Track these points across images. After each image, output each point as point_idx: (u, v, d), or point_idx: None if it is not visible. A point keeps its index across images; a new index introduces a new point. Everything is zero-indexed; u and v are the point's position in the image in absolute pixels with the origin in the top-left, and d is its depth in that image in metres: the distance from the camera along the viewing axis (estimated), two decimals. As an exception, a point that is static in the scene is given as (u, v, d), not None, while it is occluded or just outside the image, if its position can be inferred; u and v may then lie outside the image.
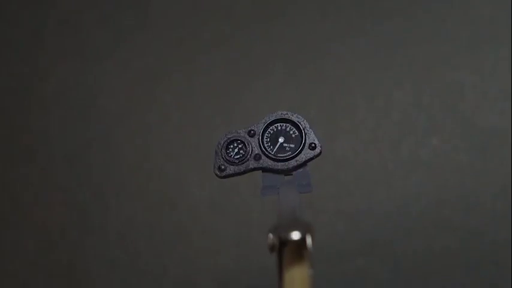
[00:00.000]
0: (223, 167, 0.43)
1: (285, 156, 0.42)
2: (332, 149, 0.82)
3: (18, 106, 0.88)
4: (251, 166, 0.43)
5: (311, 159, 0.43)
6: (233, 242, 0.81)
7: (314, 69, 0.84)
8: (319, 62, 0.85)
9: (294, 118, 0.43)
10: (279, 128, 0.43)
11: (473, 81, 0.81)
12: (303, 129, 0.43)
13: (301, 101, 0.84)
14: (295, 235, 0.29)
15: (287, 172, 0.43)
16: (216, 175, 0.43)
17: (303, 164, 0.43)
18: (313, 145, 0.43)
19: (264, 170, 0.43)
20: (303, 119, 0.43)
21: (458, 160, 0.79)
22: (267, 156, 0.43)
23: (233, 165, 0.43)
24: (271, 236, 0.31)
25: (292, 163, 0.42)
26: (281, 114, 0.43)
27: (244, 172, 0.43)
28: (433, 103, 0.82)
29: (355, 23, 0.85)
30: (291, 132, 0.43)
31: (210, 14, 0.88)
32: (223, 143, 0.43)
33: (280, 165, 0.42)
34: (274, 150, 0.43)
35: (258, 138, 0.43)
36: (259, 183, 0.43)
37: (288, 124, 0.43)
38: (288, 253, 0.30)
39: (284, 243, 0.30)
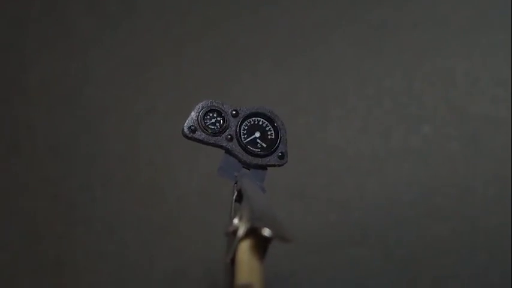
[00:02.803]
0: (193, 128, 0.43)
1: (253, 151, 0.43)
2: (323, 138, 0.81)
3: (1, 97, 0.87)
4: (220, 143, 0.43)
5: (274, 165, 0.43)
6: (223, 233, 0.80)
7: (304, 57, 0.84)
8: (309, 50, 0.84)
9: (278, 123, 0.44)
10: (261, 123, 0.44)
11: (464, 68, 0.81)
12: (280, 137, 0.44)
13: (291, 89, 0.83)
14: (268, 232, 0.29)
15: (248, 166, 0.43)
16: (184, 134, 0.43)
17: (265, 166, 0.43)
18: (281, 154, 0.43)
19: (229, 152, 0.43)
20: (284, 129, 0.44)
21: (449, 148, 0.79)
22: (238, 142, 0.43)
23: (204, 132, 0.43)
24: (236, 221, 0.32)
25: (256, 160, 0.43)
26: (269, 112, 0.44)
27: (212, 145, 0.43)
28: (424, 90, 0.81)
29: (345, 10, 0.84)
30: (269, 133, 0.44)
31: (197, 1, 0.87)
32: (205, 106, 0.43)
33: (245, 156, 0.43)
34: (247, 140, 0.43)
35: (238, 121, 0.43)
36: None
37: (269, 124, 0.44)
38: (251, 244, 0.30)
39: (251, 234, 0.30)
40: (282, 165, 0.44)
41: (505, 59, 0.81)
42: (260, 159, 0.43)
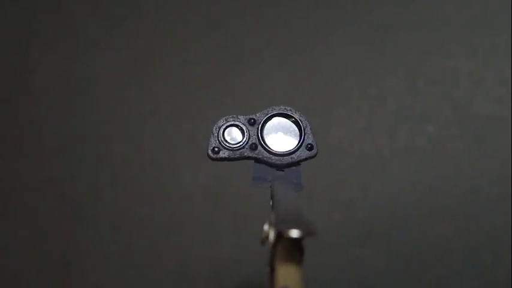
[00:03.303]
0: (217, 149, 0.42)
1: (281, 152, 0.42)
2: (326, 138, 0.81)
3: (7, 97, 0.88)
4: (246, 154, 0.42)
5: (306, 159, 0.43)
6: (228, 232, 0.80)
7: (307, 57, 0.84)
8: (312, 49, 0.84)
9: (297, 116, 0.43)
10: (279, 122, 0.43)
11: (468, 68, 0.81)
12: (303, 129, 0.43)
13: (294, 89, 0.83)
14: (295, 233, 0.28)
15: (280, 167, 0.42)
16: (209, 156, 0.43)
17: (297, 162, 0.42)
18: (309, 146, 0.43)
19: (257, 160, 0.42)
20: (305, 119, 0.43)
21: (454, 147, 0.79)
22: (263, 148, 0.42)
23: (228, 150, 0.42)
24: (266, 228, 0.31)
25: (287, 159, 0.42)
26: (285, 109, 0.43)
27: (238, 159, 0.43)
28: (428, 90, 0.81)
29: (348, 11, 0.84)
30: (291, 129, 0.43)
31: (201, 1, 0.88)
32: (222, 125, 0.43)
33: (274, 159, 0.42)
34: (271, 143, 0.42)
35: (258, 128, 0.42)
36: (250, 172, 0.42)
37: (289, 121, 0.43)
38: (284, 247, 0.30)
39: (281, 238, 0.30)
40: (314, 156, 0.43)
41: (508, 58, 0.81)
42: (290, 157, 0.42)
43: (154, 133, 0.84)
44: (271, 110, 0.43)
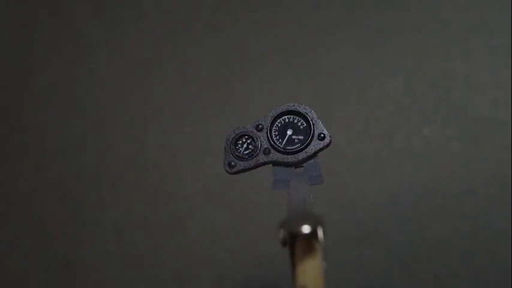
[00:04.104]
0: (233, 163, 0.42)
1: (295, 149, 0.42)
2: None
3: (11, 100, 0.88)
4: (261, 160, 0.42)
5: (321, 149, 0.42)
6: (229, 233, 0.81)
7: (307, 60, 0.84)
8: (312, 52, 0.84)
9: (302, 109, 0.43)
10: (287, 120, 0.43)
11: (465, 70, 0.81)
12: (311, 120, 0.43)
13: (294, 91, 0.84)
14: (306, 229, 0.29)
15: (297, 164, 0.42)
16: (227, 172, 0.43)
17: (313, 155, 0.42)
18: (322, 135, 0.43)
19: (274, 163, 0.42)
20: (310, 110, 0.43)
21: (450, 149, 0.80)
22: (276, 150, 0.42)
23: (243, 160, 0.42)
24: (282, 231, 0.32)
25: (302, 155, 0.42)
26: (288, 106, 0.43)
27: (255, 167, 0.43)
28: (425, 92, 0.82)
29: (348, 14, 0.85)
30: (299, 123, 0.43)
31: (202, 4, 0.88)
32: (232, 139, 0.43)
33: (290, 158, 0.42)
34: (283, 143, 0.43)
35: (266, 132, 0.43)
36: (265, 176, 0.43)
37: (295, 116, 0.43)
38: (299, 246, 0.31)
39: (295, 237, 0.30)
40: (328, 145, 0.42)
41: (505, 61, 0.81)
42: (304, 152, 0.42)
43: (156, 135, 0.84)
44: (276, 111, 0.43)
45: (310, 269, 0.30)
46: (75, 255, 0.82)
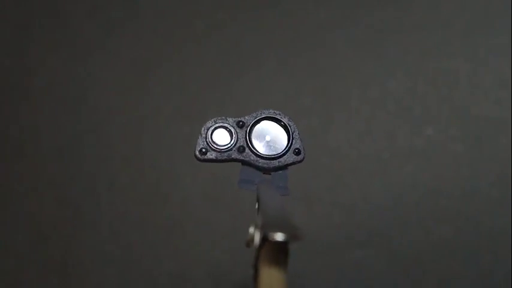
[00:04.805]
0: (204, 151, 0.43)
1: (268, 156, 0.42)
2: (326, 140, 0.81)
3: (6, 100, 0.87)
4: (233, 156, 0.42)
5: (293, 163, 0.43)
6: (227, 235, 0.80)
7: (307, 59, 0.84)
8: (312, 52, 0.84)
9: (285, 120, 0.43)
10: (268, 125, 0.43)
11: (468, 70, 0.81)
12: (292, 133, 0.43)
13: (294, 91, 0.83)
14: (280, 237, 0.28)
15: (267, 171, 0.42)
16: (196, 157, 0.43)
17: (284, 166, 0.43)
18: (297, 150, 0.43)
19: (244, 163, 0.42)
20: (293, 124, 0.43)
21: (453, 149, 0.79)
22: (251, 150, 0.42)
23: (215, 151, 0.43)
24: (251, 230, 0.31)
25: (274, 163, 0.42)
26: (274, 113, 0.43)
27: (225, 161, 0.43)
28: (427, 92, 0.81)
29: (348, 12, 0.84)
30: (280, 133, 0.43)
31: (200, 3, 0.87)
32: (210, 127, 0.43)
33: (261, 163, 0.42)
34: (259, 146, 0.42)
35: (246, 131, 0.43)
36: (237, 174, 0.43)
37: (277, 124, 0.43)
38: (268, 251, 0.30)
39: (266, 241, 0.30)
40: (301, 161, 0.43)
41: (508, 60, 0.81)
42: (277, 161, 0.42)
43: (153, 135, 0.84)
44: (260, 113, 0.43)
45: (277, 275, 0.29)
46: (72, 257, 0.82)
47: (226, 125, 0.43)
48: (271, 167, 0.42)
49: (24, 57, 0.88)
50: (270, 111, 0.43)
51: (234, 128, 0.43)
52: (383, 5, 0.84)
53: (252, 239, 0.31)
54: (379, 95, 0.82)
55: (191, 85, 0.85)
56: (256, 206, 0.38)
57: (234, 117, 0.43)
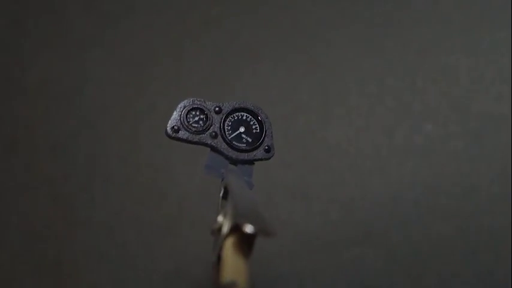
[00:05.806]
0: (176, 128, 0.42)
1: (239, 147, 0.43)
2: (325, 136, 0.81)
3: (1, 97, 0.87)
4: (204, 140, 0.43)
5: (261, 159, 0.43)
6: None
7: (305, 55, 0.83)
8: (310, 48, 0.84)
9: (262, 116, 0.43)
10: (245, 117, 0.43)
11: (467, 66, 0.81)
12: (265, 131, 0.43)
13: (292, 87, 0.83)
14: (250, 229, 0.28)
15: (234, 162, 0.43)
16: (167, 134, 0.43)
17: (252, 161, 0.43)
18: (267, 148, 0.43)
19: (214, 149, 0.43)
20: (269, 122, 0.44)
21: (453, 146, 0.79)
22: (223, 138, 0.43)
23: (188, 131, 0.43)
24: (220, 219, 0.32)
25: (243, 156, 0.43)
26: (252, 106, 0.44)
27: (196, 143, 0.43)
28: (427, 88, 0.81)
29: (347, 8, 0.84)
30: (254, 127, 0.44)
31: (197, 0, 0.87)
32: (187, 107, 0.43)
33: (231, 153, 0.43)
34: (232, 136, 0.43)
35: (222, 118, 0.43)
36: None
37: (254, 119, 0.44)
38: (235, 241, 0.30)
39: (235, 230, 0.30)
40: (269, 158, 0.43)
41: (508, 56, 0.80)
42: (246, 154, 0.43)
43: (149, 133, 0.83)
44: (239, 104, 0.44)
45: (241, 268, 0.29)
46: (66, 255, 0.81)
47: (203, 107, 0.43)
48: (239, 158, 0.43)
49: (19, 53, 0.88)
50: (249, 103, 0.44)
51: (210, 112, 0.43)
52: (382, 1, 0.83)
53: (220, 228, 0.31)
54: (378, 91, 0.81)
55: (187, 81, 0.84)
56: (221, 194, 0.38)
57: (213, 102, 0.43)
